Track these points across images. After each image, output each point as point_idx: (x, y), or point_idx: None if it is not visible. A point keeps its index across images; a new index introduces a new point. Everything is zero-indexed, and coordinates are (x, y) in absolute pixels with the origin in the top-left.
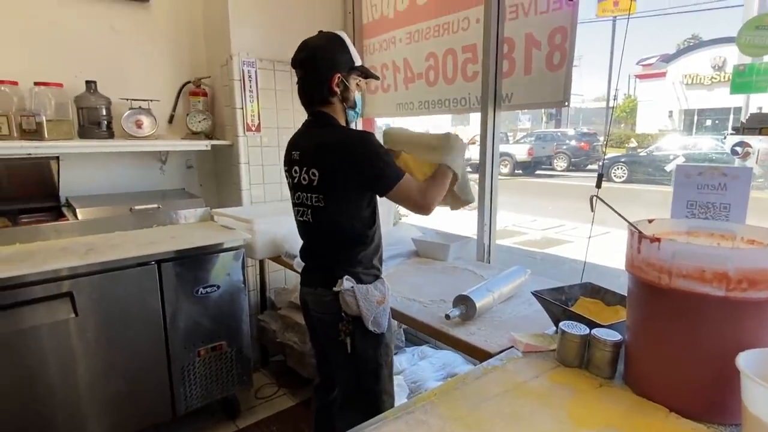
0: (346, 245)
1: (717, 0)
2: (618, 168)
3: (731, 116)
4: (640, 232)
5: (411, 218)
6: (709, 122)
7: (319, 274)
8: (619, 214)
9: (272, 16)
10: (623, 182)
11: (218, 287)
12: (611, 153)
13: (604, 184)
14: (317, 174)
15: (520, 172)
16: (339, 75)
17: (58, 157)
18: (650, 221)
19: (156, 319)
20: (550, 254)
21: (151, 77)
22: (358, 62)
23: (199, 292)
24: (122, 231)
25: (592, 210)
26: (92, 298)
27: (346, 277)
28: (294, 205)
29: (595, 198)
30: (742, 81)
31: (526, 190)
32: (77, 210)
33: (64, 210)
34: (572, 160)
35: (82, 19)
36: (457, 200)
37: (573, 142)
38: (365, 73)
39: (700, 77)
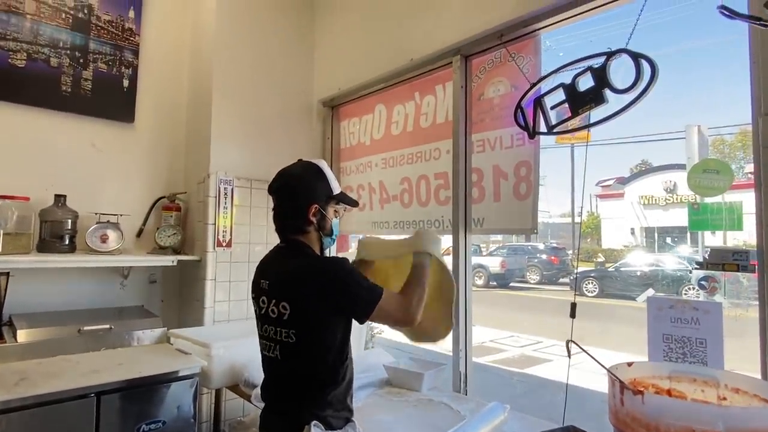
0: (317, 385)
1: (662, 132)
2: (589, 282)
3: (688, 234)
4: (621, 383)
5: (386, 333)
6: (669, 239)
7: (282, 420)
8: (596, 360)
9: (253, 139)
10: (595, 296)
11: (164, 423)
12: (581, 267)
13: (577, 299)
14: (288, 308)
15: (495, 284)
16: (316, 205)
17: (8, 273)
18: (629, 364)
19: None
20: (529, 374)
21: (125, 192)
22: (336, 190)
23: (141, 430)
24: (66, 355)
25: (569, 356)
26: None
27: (314, 423)
28: (260, 337)
29: (570, 342)
30: (698, 219)
31: (501, 303)
32: (17, 331)
33: (4, 330)
34: (544, 273)
35: (63, 135)
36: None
37: (544, 256)
38: (343, 201)
39: (655, 198)
